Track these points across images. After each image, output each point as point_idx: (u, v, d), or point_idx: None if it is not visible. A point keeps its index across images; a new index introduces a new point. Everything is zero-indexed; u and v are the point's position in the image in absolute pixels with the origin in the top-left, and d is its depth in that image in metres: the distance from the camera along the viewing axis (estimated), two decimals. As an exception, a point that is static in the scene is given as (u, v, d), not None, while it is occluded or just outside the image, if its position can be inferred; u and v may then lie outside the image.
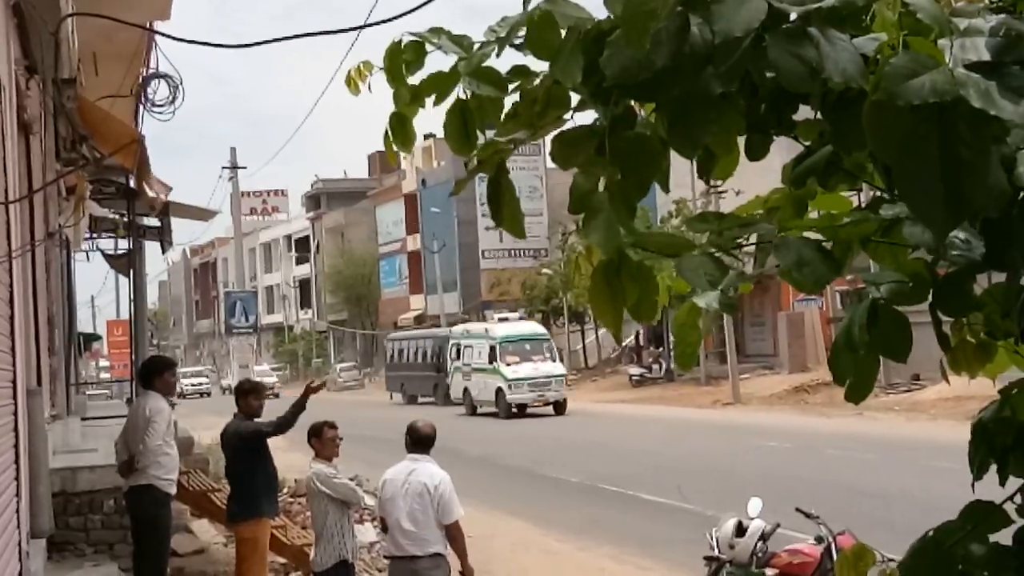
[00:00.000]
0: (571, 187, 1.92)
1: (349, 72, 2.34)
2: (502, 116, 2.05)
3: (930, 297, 1.90)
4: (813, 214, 2.16)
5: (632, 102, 1.87)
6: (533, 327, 45.34)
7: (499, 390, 39.92)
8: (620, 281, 1.90)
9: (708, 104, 1.73)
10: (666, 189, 1.96)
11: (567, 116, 1.96)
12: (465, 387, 42.97)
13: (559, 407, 39.42)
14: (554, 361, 41.42)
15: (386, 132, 2.27)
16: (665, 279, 2.14)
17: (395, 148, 2.25)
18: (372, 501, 11.80)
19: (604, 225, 1.83)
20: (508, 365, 40.26)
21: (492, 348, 41.38)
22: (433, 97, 2.13)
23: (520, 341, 41.89)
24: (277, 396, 47.95)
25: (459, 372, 43.85)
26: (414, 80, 2.15)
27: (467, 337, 44.64)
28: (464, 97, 2.08)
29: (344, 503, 9.07)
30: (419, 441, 8.54)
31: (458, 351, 44.27)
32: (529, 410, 39.07)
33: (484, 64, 2.03)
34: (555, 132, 1.96)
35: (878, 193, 2.04)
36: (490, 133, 2.12)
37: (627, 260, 1.91)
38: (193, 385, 71.42)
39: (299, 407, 9.98)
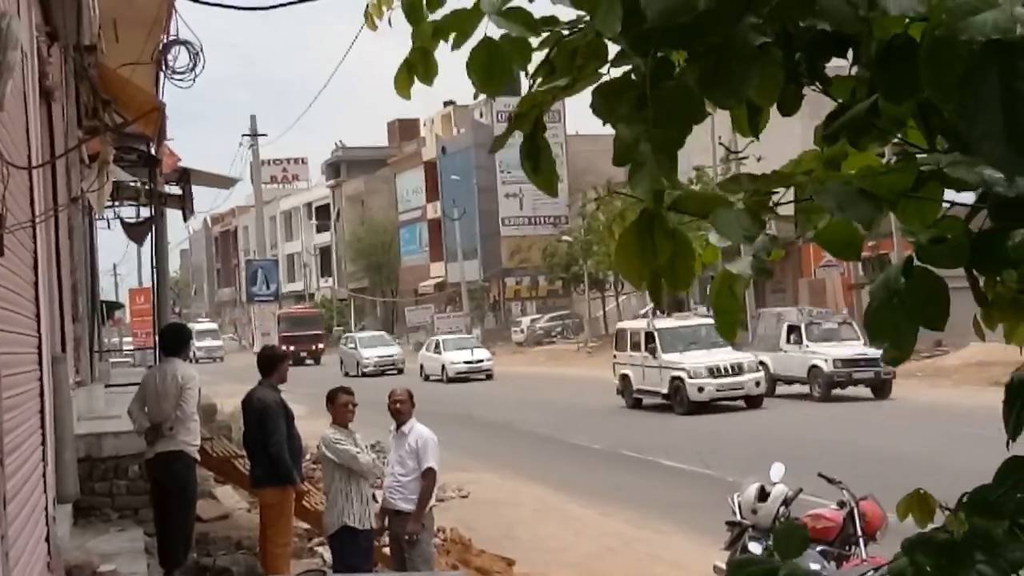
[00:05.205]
0: (615, 139, 1.89)
1: (367, 6, 2.28)
2: (530, 63, 2.01)
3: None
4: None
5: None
6: None
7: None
8: (652, 240, 1.87)
9: (748, 54, 1.75)
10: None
11: (602, 70, 1.93)
12: None
13: None
14: None
15: (401, 67, 2.17)
16: (697, 246, 2.11)
17: (418, 80, 2.17)
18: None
19: (649, 176, 1.81)
20: None
21: None
22: (453, 42, 2.06)
23: None
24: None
25: None
26: (435, 17, 2.08)
27: None
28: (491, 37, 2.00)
29: (350, 469, 9.18)
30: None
31: None
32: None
33: (510, 3, 1.97)
34: (592, 87, 1.92)
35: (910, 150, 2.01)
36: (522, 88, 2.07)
37: (662, 219, 1.88)
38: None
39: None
